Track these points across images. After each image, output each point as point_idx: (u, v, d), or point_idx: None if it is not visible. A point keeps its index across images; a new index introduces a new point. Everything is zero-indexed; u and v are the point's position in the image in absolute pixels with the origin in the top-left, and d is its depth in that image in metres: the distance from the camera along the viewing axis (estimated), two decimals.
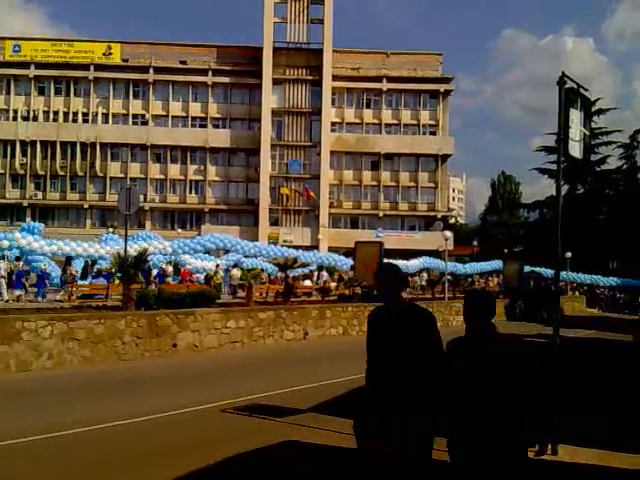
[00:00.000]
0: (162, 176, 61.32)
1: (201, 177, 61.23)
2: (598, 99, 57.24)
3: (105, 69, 60.41)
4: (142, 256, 16.83)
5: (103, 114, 61.36)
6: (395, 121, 62.14)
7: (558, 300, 8.17)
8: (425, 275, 39.63)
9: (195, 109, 61.78)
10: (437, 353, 3.70)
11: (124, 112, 61.74)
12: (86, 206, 60.47)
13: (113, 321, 13.15)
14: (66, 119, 61.23)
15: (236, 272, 28.04)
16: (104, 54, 60.71)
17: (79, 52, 60.74)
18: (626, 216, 55.63)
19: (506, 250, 59.00)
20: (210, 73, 60.67)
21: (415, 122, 62.16)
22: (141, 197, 59.96)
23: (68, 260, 27.40)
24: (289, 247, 42.14)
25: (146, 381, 11.09)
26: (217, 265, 30.69)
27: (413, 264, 40.99)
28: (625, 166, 59.96)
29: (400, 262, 42.91)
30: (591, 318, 32.24)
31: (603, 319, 32.12)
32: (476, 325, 3.77)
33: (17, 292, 21.62)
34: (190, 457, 6.37)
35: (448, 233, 35.39)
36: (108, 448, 6.75)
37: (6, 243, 24.64)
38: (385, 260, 37.26)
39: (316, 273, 34.29)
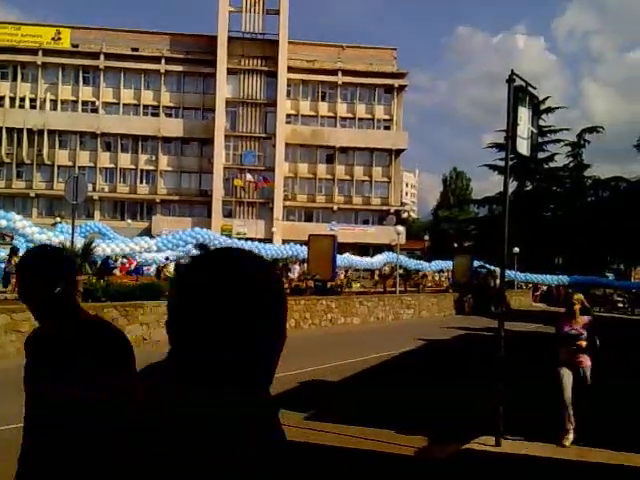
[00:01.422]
0: (112, 165, 59.99)
1: (153, 167, 60.17)
2: (547, 98, 58.63)
3: (54, 54, 58.51)
4: (89, 247, 16.40)
5: (52, 100, 59.55)
6: (350, 115, 62.36)
7: (503, 295, 8.32)
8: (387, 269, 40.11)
9: (147, 97, 60.60)
10: None
11: (73, 99, 60.06)
12: (33, 195, 58.64)
13: None
14: (12, 105, 59.18)
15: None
16: (53, 39, 58.83)
17: (27, 36, 58.66)
18: (571, 213, 57.35)
19: (456, 245, 60.14)
20: (163, 61, 59.58)
21: (370, 116, 62.53)
22: (90, 186, 58.62)
23: (13, 250, 26.50)
24: (240, 239, 41.86)
25: None
26: (167, 258, 30.13)
27: (377, 260, 41.64)
28: (572, 164, 61.66)
29: (366, 258, 43.38)
30: (536, 312, 33.11)
31: (548, 313, 33.04)
32: None
33: None
34: None
35: (400, 228, 35.83)
36: None
37: None
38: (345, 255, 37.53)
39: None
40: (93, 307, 13.74)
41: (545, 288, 48.51)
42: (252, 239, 51.04)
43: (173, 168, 60.50)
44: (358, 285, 35.73)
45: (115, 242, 27.93)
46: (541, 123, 55.48)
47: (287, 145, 59.63)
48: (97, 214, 57.35)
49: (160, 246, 29.73)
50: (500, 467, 5.97)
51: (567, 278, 48.43)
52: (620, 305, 42.98)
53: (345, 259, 38.70)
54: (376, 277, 37.23)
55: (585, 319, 6.95)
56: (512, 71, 6.31)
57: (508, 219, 6.88)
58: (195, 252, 0.96)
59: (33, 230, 24.47)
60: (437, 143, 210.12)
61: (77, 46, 59.03)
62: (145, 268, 30.15)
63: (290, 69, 59.49)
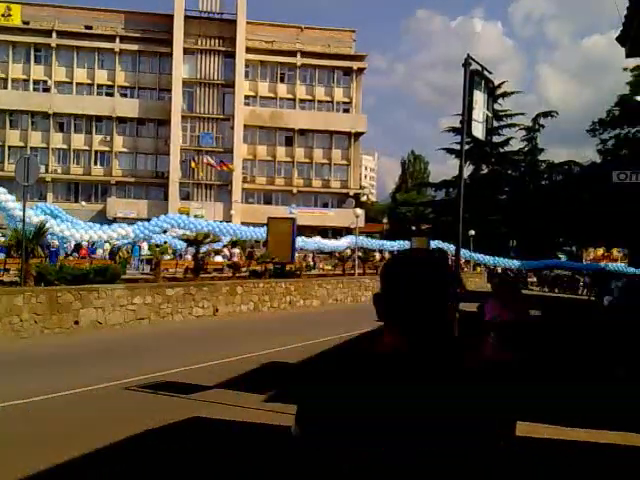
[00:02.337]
0: (65, 146, 58.50)
1: (107, 148, 58.90)
2: (503, 82, 59.55)
3: (4, 31, 56.38)
4: (41, 230, 16.01)
5: (2, 79, 57.59)
6: (309, 97, 62.10)
7: (458, 275, 8.46)
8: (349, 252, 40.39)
9: (101, 77, 59.10)
10: None
11: (24, 77, 58.17)
12: None
13: (10, 297, 12.51)
14: None
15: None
16: (3, 15, 56.66)
17: None
18: (526, 196, 58.57)
19: (414, 228, 60.83)
20: (118, 40, 58.13)
21: (329, 99, 62.38)
22: (42, 168, 57.14)
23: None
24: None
25: (45, 359, 10.63)
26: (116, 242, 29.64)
27: (342, 243, 41.90)
28: (527, 148, 62.85)
29: (331, 241, 43.52)
30: (490, 293, 33.79)
31: None
32: None
33: None
34: (90, 436, 6.17)
35: (359, 210, 36.03)
36: (1, 429, 6.42)
37: None
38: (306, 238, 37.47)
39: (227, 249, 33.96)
40: (46, 290, 13.46)
41: (499, 270, 49.57)
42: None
43: (128, 149, 59.34)
44: (329, 267, 36.01)
45: (93, 229, 27.44)
46: (497, 107, 56.32)
47: (246, 127, 59.09)
48: (50, 196, 55.92)
49: (137, 233, 29.23)
50: None
51: (517, 263, 49.49)
52: (581, 285, 43.94)
53: (315, 243, 38.95)
54: (335, 260, 37.41)
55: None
56: (468, 55, 6.37)
57: (464, 202, 6.99)
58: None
59: (14, 205, 24.00)
60: (396, 126, 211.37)
61: (28, 23, 57.06)
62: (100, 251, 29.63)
63: (248, 50, 58.79)
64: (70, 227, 26.88)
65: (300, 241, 38.85)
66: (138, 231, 29.63)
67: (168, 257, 25.69)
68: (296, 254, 32.94)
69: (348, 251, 38.66)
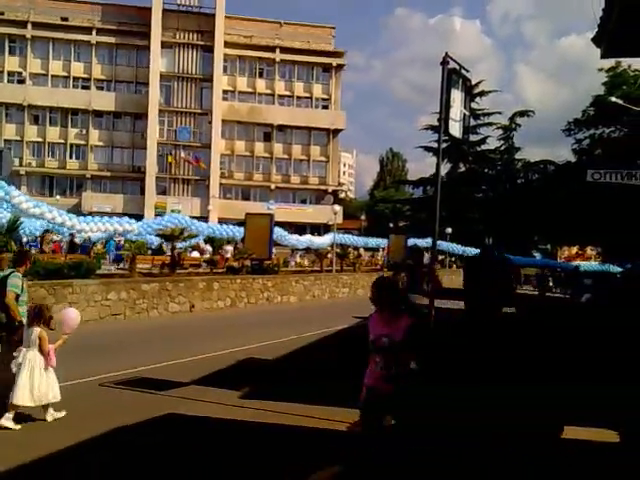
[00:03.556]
0: (40, 139, 57.64)
1: (83, 141, 58.15)
2: (481, 81, 59.94)
3: None
4: (15, 224, 15.76)
5: None
6: (288, 93, 61.94)
7: (434, 273, 8.52)
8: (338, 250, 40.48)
9: (77, 69, 58.28)
10: None
11: None
12: None
13: None
14: None
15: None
16: None
17: None
18: (502, 194, 59.14)
19: (391, 225, 61.08)
20: (94, 32, 57.34)
21: (308, 95, 62.30)
22: (16, 161, 56.25)
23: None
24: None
25: None
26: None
27: (325, 240, 41.81)
28: (503, 147, 63.39)
29: (318, 238, 43.36)
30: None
31: None
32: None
33: None
34: (63, 433, 6.10)
35: (337, 207, 36.11)
36: None
37: None
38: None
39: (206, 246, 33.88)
40: None
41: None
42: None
43: (104, 143, 58.66)
44: (307, 263, 36.08)
45: (102, 221, 27.16)
46: (475, 106, 56.78)
47: (224, 122, 58.75)
48: (24, 189, 54.75)
49: (141, 230, 29.16)
50: (430, 440, 6.15)
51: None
52: (551, 284, 44.42)
53: (305, 241, 39.10)
54: (312, 256, 37.43)
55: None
56: (446, 54, 6.41)
57: (441, 200, 7.03)
58: None
59: (29, 205, 23.91)
60: (375, 123, 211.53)
61: (3, 14, 55.90)
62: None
63: (227, 44, 58.42)
64: (72, 219, 26.68)
65: (294, 239, 39.29)
66: (142, 229, 29.56)
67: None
68: (274, 250, 33.21)
69: (329, 248, 38.73)
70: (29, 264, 8.05)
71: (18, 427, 6.21)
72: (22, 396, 6.25)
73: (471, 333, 10.04)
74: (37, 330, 6.42)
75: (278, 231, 38.82)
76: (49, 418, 6.46)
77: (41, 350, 6.40)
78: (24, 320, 6.78)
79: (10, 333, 6.76)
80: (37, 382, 6.31)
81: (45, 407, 6.45)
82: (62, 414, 6.57)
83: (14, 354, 6.44)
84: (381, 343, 4.28)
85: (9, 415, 6.24)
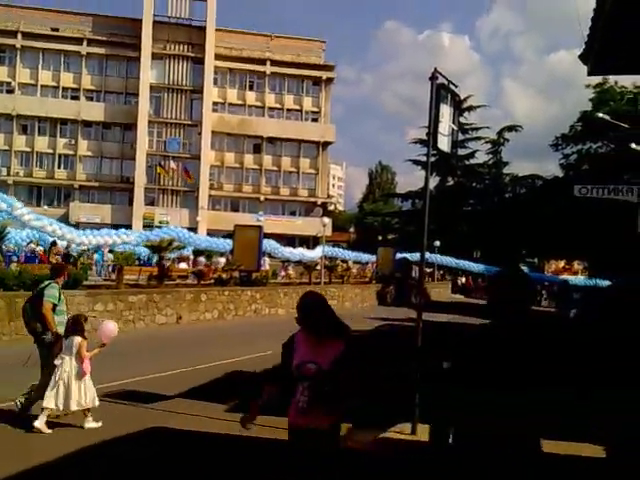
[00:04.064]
0: (28, 149, 57.39)
1: (71, 151, 57.95)
2: (469, 96, 60.45)
3: None
4: (1, 233, 15.63)
5: None
6: (278, 105, 62.14)
7: (422, 286, 8.52)
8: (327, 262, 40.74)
9: (67, 79, 58.20)
10: None
11: None
12: None
13: None
14: None
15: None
16: None
17: None
18: (490, 208, 59.47)
19: (380, 237, 61.20)
20: (85, 42, 57.36)
21: (298, 108, 62.53)
22: (4, 170, 55.97)
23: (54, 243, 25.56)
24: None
25: (1, 366, 10.33)
26: (98, 247, 29.26)
27: (317, 253, 41.90)
28: (491, 161, 63.84)
29: (308, 251, 43.42)
30: (454, 303, 34.21)
31: (464, 304, 34.22)
32: None
33: None
34: (48, 446, 6.02)
35: (326, 219, 36.10)
36: None
37: None
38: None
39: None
40: (5, 296, 13.13)
41: (464, 280, 50.15)
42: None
43: (93, 153, 58.49)
44: (294, 275, 36.29)
45: (100, 234, 27.25)
46: (463, 121, 57.18)
47: (214, 133, 58.80)
48: None
49: (139, 241, 29.27)
50: (415, 454, 6.13)
51: (481, 267, 50.13)
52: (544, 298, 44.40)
53: (298, 254, 39.31)
54: (301, 268, 37.48)
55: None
56: (435, 69, 6.45)
57: (429, 213, 7.05)
58: None
59: (31, 217, 24.17)
60: (364, 136, 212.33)
61: None
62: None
63: (217, 56, 58.61)
64: (72, 232, 26.80)
65: (287, 252, 39.58)
66: (139, 239, 29.59)
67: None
68: (268, 261, 33.74)
69: (318, 260, 38.85)
70: (66, 276, 8.39)
71: (49, 431, 6.47)
72: (54, 401, 6.56)
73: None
74: (77, 339, 6.75)
75: (272, 244, 39.23)
76: (86, 425, 6.72)
77: (79, 357, 6.72)
78: (60, 330, 7.01)
79: (47, 342, 7.02)
80: (73, 388, 6.62)
81: (85, 413, 6.76)
82: (99, 424, 6.77)
83: (55, 362, 6.73)
84: (306, 370, 3.52)
85: (43, 418, 6.51)
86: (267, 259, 36.99)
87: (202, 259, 30.25)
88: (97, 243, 27.41)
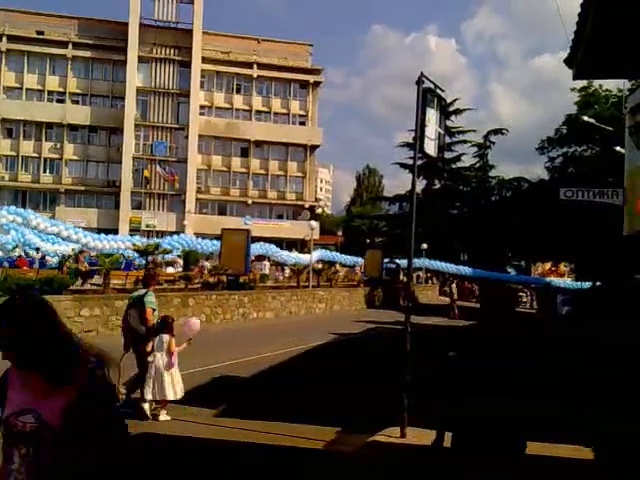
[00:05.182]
0: (13, 153, 56.83)
1: (57, 155, 57.48)
2: (456, 99, 60.72)
3: None
4: None
5: None
6: (265, 109, 62.09)
7: (409, 289, 8.54)
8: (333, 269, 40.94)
9: (53, 83, 57.74)
10: None
11: None
12: None
13: None
14: None
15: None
16: None
17: None
18: (476, 211, 59.69)
19: (368, 241, 61.26)
20: (70, 46, 56.94)
21: (285, 111, 62.51)
22: None
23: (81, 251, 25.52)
24: (150, 232, 40.91)
25: None
26: (73, 249, 29.02)
27: (313, 256, 41.99)
28: (478, 164, 64.08)
29: (304, 255, 43.44)
30: (442, 306, 34.27)
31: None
32: None
33: None
34: None
35: (314, 223, 36.11)
36: None
37: None
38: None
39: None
40: None
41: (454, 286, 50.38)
42: (163, 232, 49.94)
43: (79, 157, 58.06)
44: (282, 278, 36.41)
45: (114, 240, 27.30)
46: (450, 124, 57.39)
47: (200, 137, 58.62)
48: None
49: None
50: (404, 458, 6.13)
51: (468, 270, 50.44)
52: (524, 300, 44.88)
53: (294, 257, 39.55)
54: (289, 272, 37.52)
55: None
56: (421, 73, 6.48)
57: (417, 216, 7.06)
58: None
59: (46, 225, 24.38)
60: (351, 140, 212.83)
61: None
62: (47, 259, 29.00)
63: (204, 60, 58.47)
64: (87, 236, 26.84)
65: (285, 255, 39.78)
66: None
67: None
68: (267, 264, 34.19)
69: (302, 264, 38.89)
70: (156, 284, 9.45)
71: (168, 418, 7.54)
72: (151, 392, 7.46)
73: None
74: (166, 337, 7.73)
75: (270, 247, 39.41)
76: (162, 417, 7.52)
77: (168, 353, 7.62)
78: None
79: (145, 342, 7.86)
80: (166, 379, 7.47)
81: (163, 406, 7.59)
82: (169, 418, 7.55)
83: (148, 359, 7.65)
84: (20, 425, 2.08)
85: (147, 406, 7.54)
86: (267, 263, 37.29)
87: (207, 263, 30.03)
88: (111, 247, 27.56)
